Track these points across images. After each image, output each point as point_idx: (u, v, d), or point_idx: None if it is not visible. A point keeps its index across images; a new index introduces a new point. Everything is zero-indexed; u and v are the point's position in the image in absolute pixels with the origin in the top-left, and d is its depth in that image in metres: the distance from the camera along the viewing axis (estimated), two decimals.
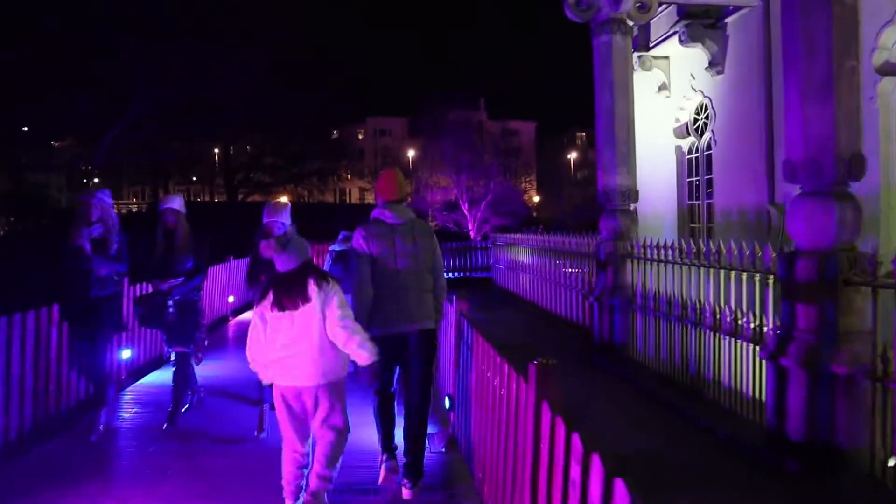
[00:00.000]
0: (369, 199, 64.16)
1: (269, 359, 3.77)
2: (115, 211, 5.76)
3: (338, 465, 3.87)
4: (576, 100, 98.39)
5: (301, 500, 3.78)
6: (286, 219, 5.34)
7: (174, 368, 5.67)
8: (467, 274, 20.04)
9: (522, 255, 13.86)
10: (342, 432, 3.84)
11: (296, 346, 3.69)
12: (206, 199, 64.78)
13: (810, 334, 4.30)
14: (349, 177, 68.75)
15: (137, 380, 7.25)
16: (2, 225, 43.67)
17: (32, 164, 33.81)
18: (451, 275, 19.80)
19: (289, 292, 3.67)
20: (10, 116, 22.11)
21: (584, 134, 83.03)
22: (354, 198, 70.90)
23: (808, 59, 4.30)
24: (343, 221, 9.87)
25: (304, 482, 3.82)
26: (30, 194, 48.57)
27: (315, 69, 41.54)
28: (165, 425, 5.44)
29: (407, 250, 4.05)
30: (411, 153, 60.41)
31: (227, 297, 11.39)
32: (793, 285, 4.42)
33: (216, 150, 58.78)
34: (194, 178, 68.30)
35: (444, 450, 4.88)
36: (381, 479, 4.18)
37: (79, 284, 5.12)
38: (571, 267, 10.66)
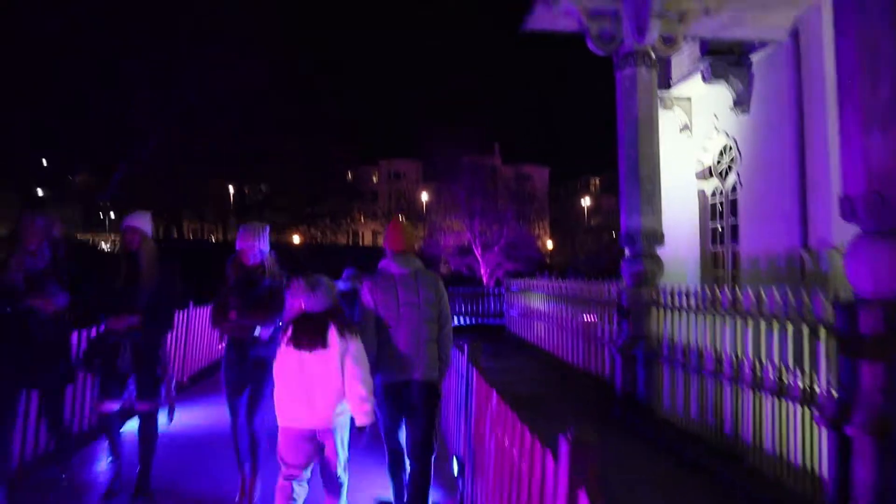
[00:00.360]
0: (382, 241, 63.74)
1: (277, 394, 3.77)
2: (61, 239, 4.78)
3: None
4: (589, 146, 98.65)
5: None
6: (264, 244, 4.69)
7: (138, 429, 4.68)
8: (479, 320, 19.40)
9: (537, 302, 13.26)
10: (341, 478, 3.85)
11: (303, 386, 3.68)
12: (220, 237, 64.87)
13: (879, 396, 3.69)
14: (362, 219, 68.78)
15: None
16: None
17: (50, 198, 33.89)
18: (462, 321, 19.21)
19: (309, 333, 3.70)
20: (25, 151, 22.05)
21: (597, 180, 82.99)
22: (367, 240, 70.78)
23: (870, 79, 3.79)
24: (354, 263, 9.32)
25: None
26: None
27: (328, 110, 41.88)
28: (136, 499, 4.56)
29: (410, 300, 4.08)
30: (425, 197, 60.40)
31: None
32: (855, 339, 3.83)
33: (231, 189, 59.11)
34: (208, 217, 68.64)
35: None
36: None
37: (18, 327, 4.22)
38: (589, 314, 10.07)
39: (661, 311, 7.03)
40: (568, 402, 8.37)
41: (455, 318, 19.18)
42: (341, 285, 7.49)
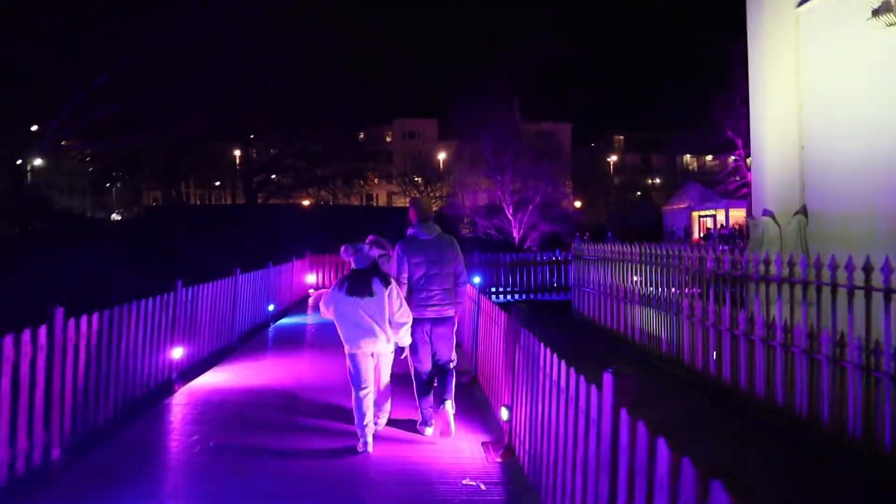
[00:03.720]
0: (398, 202, 60.05)
1: (345, 331, 5.07)
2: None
3: (388, 407, 5.41)
4: (611, 103, 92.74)
5: (369, 433, 5.01)
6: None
7: None
8: (531, 296, 15.24)
9: (638, 278, 9.16)
10: (388, 389, 5.34)
11: (362, 323, 5.01)
12: (229, 200, 61.00)
13: None
14: (376, 180, 64.75)
15: None
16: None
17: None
18: (506, 297, 15.12)
19: (360, 285, 5.02)
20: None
21: (621, 138, 77.88)
22: (382, 201, 66.76)
23: None
24: (373, 227, 8.33)
25: (369, 420, 5.00)
26: (32, 196, 45.04)
27: (340, 68, 38.05)
28: None
29: (435, 258, 5.30)
30: (442, 155, 56.29)
31: (170, 350, 6.76)
32: None
33: (237, 152, 55.34)
34: (217, 183, 64.83)
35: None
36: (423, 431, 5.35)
37: None
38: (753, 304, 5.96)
39: None
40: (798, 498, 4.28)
41: (499, 294, 15.08)
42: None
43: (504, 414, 4.91)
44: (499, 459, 4.73)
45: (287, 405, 6.14)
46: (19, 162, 38.04)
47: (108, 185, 78.40)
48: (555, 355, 3.49)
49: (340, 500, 4.06)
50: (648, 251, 8.94)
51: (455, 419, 5.44)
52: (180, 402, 6.25)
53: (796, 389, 5.41)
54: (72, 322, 4.70)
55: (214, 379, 7.16)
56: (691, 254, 7.67)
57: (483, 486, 4.23)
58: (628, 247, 9.66)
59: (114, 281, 14.51)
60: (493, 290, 15.07)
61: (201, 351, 7.72)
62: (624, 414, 2.30)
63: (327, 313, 5.13)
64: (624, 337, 9.55)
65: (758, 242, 9.39)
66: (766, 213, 9.66)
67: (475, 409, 6.07)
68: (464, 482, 4.30)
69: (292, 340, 9.66)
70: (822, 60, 8.01)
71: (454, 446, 5.03)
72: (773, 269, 6.03)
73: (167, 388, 6.56)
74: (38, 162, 60.02)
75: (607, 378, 2.50)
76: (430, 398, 5.33)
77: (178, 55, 20.36)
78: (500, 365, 5.42)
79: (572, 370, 3.09)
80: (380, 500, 4.06)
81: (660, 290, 8.49)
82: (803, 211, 8.54)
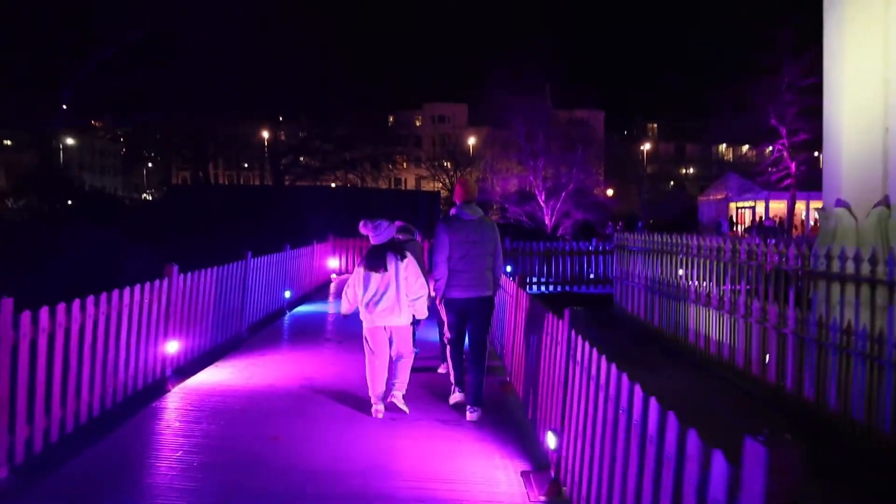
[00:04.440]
0: (427, 186, 59.23)
1: (363, 304, 5.20)
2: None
3: (407, 378, 5.38)
4: (643, 90, 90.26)
5: (384, 402, 5.23)
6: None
7: None
8: (566, 288, 14.20)
9: (685, 271, 8.14)
10: (409, 358, 5.37)
11: (378, 297, 5.15)
12: (257, 182, 60.65)
13: None
14: (405, 164, 63.94)
15: None
16: (25, 206, 40.00)
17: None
18: (540, 288, 14.13)
19: (375, 260, 5.17)
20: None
21: (654, 126, 75.70)
22: (410, 185, 66.01)
23: None
24: (401, 210, 7.65)
25: (384, 390, 5.25)
26: (62, 174, 44.85)
27: (370, 52, 37.23)
28: None
29: (475, 239, 5.35)
30: (472, 140, 55.28)
31: (164, 343, 5.92)
32: None
33: (265, 134, 54.83)
34: (245, 165, 64.63)
35: None
36: (451, 400, 5.55)
37: None
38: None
39: None
40: None
41: (531, 285, 14.10)
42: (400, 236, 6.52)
43: (551, 441, 3.98)
44: (543, 497, 3.82)
45: (296, 412, 5.28)
46: (48, 141, 37.83)
47: (137, 165, 78.58)
48: (637, 385, 2.54)
49: None
50: (709, 244, 7.91)
51: (487, 439, 4.88)
52: (171, 405, 5.41)
53: None
54: (26, 315, 3.86)
55: (215, 377, 6.32)
56: (766, 248, 6.63)
57: None
58: (683, 238, 8.62)
59: (126, 263, 13.82)
60: (526, 280, 14.08)
61: (203, 343, 6.90)
62: None
63: (351, 296, 5.29)
64: (675, 337, 8.55)
65: (829, 236, 8.28)
66: (840, 203, 8.50)
67: (510, 424, 5.15)
68: None
69: (309, 332, 8.81)
70: None
71: (488, 475, 4.12)
72: (882, 270, 4.99)
73: (159, 388, 5.72)
74: (70, 141, 60.08)
75: (754, 451, 1.55)
76: (462, 364, 5.54)
77: (199, 30, 19.63)
78: (545, 375, 4.50)
79: (672, 415, 2.14)
80: None
81: (721, 287, 7.48)
82: (885, 202, 7.43)
